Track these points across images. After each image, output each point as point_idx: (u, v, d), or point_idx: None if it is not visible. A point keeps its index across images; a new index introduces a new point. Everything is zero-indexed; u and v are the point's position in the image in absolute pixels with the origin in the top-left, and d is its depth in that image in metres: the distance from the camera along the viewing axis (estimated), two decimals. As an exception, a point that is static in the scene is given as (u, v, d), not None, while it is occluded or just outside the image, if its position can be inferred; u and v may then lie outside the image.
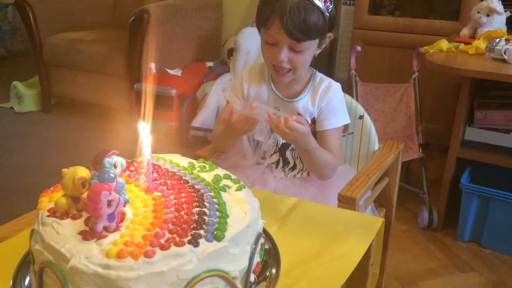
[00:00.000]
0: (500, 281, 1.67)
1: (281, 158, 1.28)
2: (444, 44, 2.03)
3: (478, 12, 2.14)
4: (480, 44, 1.96)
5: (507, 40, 1.89)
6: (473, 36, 2.17)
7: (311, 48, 1.16)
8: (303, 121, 1.11)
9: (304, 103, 1.24)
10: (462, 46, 2.02)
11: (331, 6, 1.13)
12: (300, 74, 1.21)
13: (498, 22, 2.12)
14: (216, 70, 2.94)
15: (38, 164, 2.46)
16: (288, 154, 1.29)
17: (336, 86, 1.26)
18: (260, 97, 1.28)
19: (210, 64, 3.06)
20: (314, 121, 1.26)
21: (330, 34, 1.19)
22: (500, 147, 1.85)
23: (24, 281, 0.70)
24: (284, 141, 1.27)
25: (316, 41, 1.16)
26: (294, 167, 1.29)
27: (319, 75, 1.28)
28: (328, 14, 1.12)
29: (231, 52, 2.99)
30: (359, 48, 2.20)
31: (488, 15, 2.10)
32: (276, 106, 1.27)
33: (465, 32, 2.23)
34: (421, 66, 2.17)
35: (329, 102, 1.23)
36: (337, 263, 0.78)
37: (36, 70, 3.28)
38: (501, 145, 1.85)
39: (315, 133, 1.26)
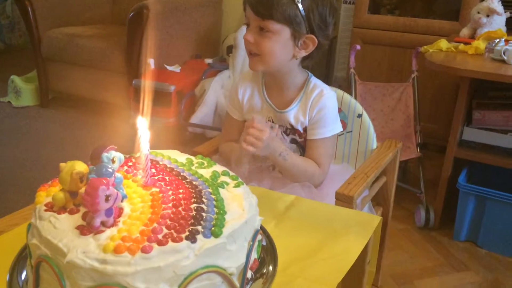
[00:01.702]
0: (495, 281, 1.68)
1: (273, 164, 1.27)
2: (443, 44, 2.04)
3: (478, 13, 2.14)
4: (480, 44, 1.96)
5: (506, 41, 1.89)
6: (472, 37, 2.17)
7: (279, 36, 1.11)
8: (265, 126, 1.12)
9: (295, 112, 1.22)
10: (461, 46, 2.02)
11: (306, 2, 1.10)
12: (271, 65, 1.16)
13: (498, 22, 2.12)
14: (215, 67, 2.94)
15: (35, 159, 2.45)
16: None
17: (329, 95, 1.22)
18: (253, 106, 1.27)
19: (209, 61, 3.05)
20: (306, 130, 1.24)
21: (311, 36, 1.14)
22: (497, 148, 1.86)
23: (21, 276, 0.70)
24: None
25: (286, 30, 1.11)
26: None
27: (313, 81, 1.24)
28: (301, 7, 1.10)
29: (230, 49, 2.99)
30: (358, 47, 2.20)
31: (488, 16, 2.10)
32: (270, 116, 1.26)
33: (465, 32, 2.23)
34: (420, 65, 2.17)
35: (320, 111, 1.21)
36: (334, 260, 0.78)
37: (34, 64, 3.27)
38: (498, 145, 1.86)
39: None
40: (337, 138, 1.44)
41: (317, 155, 1.22)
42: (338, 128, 1.24)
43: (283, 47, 1.14)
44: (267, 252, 0.79)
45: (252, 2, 1.11)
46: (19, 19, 4.65)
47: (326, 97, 1.21)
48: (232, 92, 1.31)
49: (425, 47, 2.07)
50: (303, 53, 1.18)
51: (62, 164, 0.65)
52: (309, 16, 1.12)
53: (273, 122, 1.25)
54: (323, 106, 1.21)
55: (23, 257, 0.73)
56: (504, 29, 2.12)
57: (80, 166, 0.65)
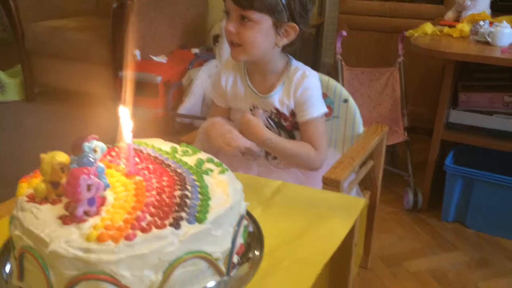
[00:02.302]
0: (483, 260, 1.70)
1: (264, 149, 1.27)
2: (428, 27, 2.04)
3: (462, -5, 2.14)
4: (464, 27, 1.96)
5: (490, 23, 1.90)
6: (457, 19, 2.18)
7: (261, 25, 1.11)
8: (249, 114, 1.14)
9: (280, 96, 1.22)
10: (446, 29, 2.03)
11: None
12: (253, 55, 1.16)
13: (482, 5, 2.12)
14: (202, 57, 2.92)
15: (21, 154, 2.43)
16: None
17: (312, 75, 1.22)
18: (237, 93, 1.26)
19: (195, 50, 3.03)
20: (293, 113, 1.24)
21: (292, 24, 1.14)
22: (483, 129, 1.87)
23: (5, 269, 0.69)
24: None
25: (267, 19, 1.11)
26: (276, 157, 1.29)
27: (294, 64, 1.24)
28: None
29: (216, 38, 2.97)
30: (344, 33, 2.20)
31: (472, -2, 2.11)
32: (253, 102, 1.25)
33: (450, 15, 2.23)
34: (406, 50, 2.17)
35: (304, 92, 1.20)
36: (320, 242, 0.79)
37: (18, 58, 3.22)
38: (484, 127, 1.87)
39: (296, 125, 1.25)
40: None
41: (310, 136, 1.22)
42: (324, 107, 1.23)
43: (265, 36, 1.14)
44: (254, 237, 0.79)
45: None
46: (1, 13, 4.57)
47: (309, 77, 1.21)
48: (215, 80, 1.30)
49: (410, 31, 2.07)
50: (285, 41, 1.17)
51: (42, 155, 0.65)
52: (289, 4, 1.12)
53: (257, 108, 1.25)
54: (307, 87, 1.20)
55: (7, 250, 0.73)
56: (488, 11, 2.12)
57: (61, 157, 0.64)
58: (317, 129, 1.22)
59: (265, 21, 1.12)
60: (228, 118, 1.31)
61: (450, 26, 2.05)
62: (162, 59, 2.87)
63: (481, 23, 1.92)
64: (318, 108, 1.21)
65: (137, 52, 2.78)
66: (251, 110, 1.26)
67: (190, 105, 2.71)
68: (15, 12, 3.06)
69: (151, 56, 2.87)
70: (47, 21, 3.15)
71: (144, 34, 2.85)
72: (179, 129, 2.74)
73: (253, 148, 1.17)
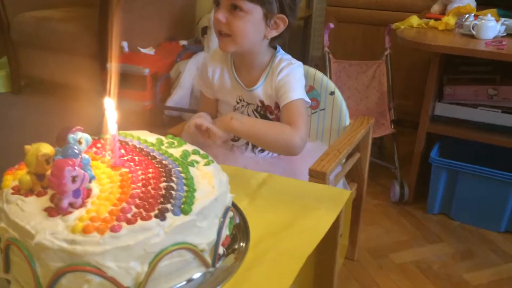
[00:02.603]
0: (468, 251, 1.73)
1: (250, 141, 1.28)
2: (414, 20, 2.05)
3: (449, -12, 2.15)
4: (450, 20, 1.98)
5: (475, 16, 1.92)
6: (443, 12, 2.19)
7: (252, 15, 1.11)
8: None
9: (264, 88, 1.22)
10: (432, 22, 2.04)
11: None
12: (242, 46, 1.15)
13: (468, -2, 2.14)
14: (190, 49, 2.90)
15: (7, 146, 2.40)
16: None
17: (295, 65, 1.21)
18: (223, 85, 1.26)
19: (184, 42, 3.02)
20: (278, 106, 1.22)
21: (282, 16, 1.14)
22: (468, 122, 1.90)
23: (-9, 261, 0.69)
24: None
25: (258, 10, 1.11)
26: (263, 149, 1.29)
27: (280, 55, 1.23)
28: None
29: (205, 30, 2.96)
30: (332, 25, 2.20)
31: (458, -9, 2.12)
32: (240, 95, 1.25)
33: (436, 8, 2.25)
34: (393, 43, 2.18)
35: (285, 77, 1.19)
36: (305, 234, 0.80)
37: (4, 50, 3.18)
38: (469, 119, 1.89)
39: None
40: (310, 115, 1.45)
41: (288, 116, 1.17)
42: (305, 95, 1.20)
43: (255, 27, 1.14)
44: (240, 229, 0.80)
45: None
46: (-14, 3, 4.50)
47: (292, 67, 1.20)
48: (202, 71, 1.30)
49: (396, 24, 2.09)
50: (274, 33, 1.17)
51: (27, 147, 0.65)
52: None
53: (243, 100, 1.25)
54: (288, 73, 1.19)
55: (-7, 242, 0.72)
56: (473, 4, 2.14)
57: (46, 148, 0.64)
58: (295, 110, 1.17)
59: (256, 12, 1.11)
60: (216, 110, 1.31)
61: (436, 19, 2.07)
62: (149, 51, 2.85)
63: (466, 16, 1.94)
64: (297, 93, 1.18)
65: (125, 44, 2.76)
66: (237, 102, 1.26)
67: (178, 97, 2.70)
68: (0, 2, 3.02)
69: (139, 48, 2.85)
70: (33, 11, 3.11)
71: (131, 25, 2.82)
72: (167, 122, 2.73)
73: (219, 133, 1.12)
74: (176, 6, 3.20)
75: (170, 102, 2.68)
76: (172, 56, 2.84)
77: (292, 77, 1.19)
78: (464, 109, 1.91)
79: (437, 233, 1.83)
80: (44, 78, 3.22)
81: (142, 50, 2.84)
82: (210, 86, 1.29)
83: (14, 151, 2.49)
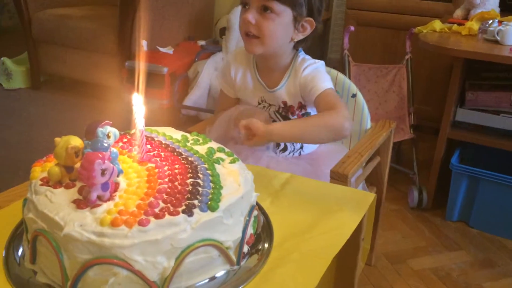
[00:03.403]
0: (487, 260, 1.70)
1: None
2: (437, 24, 2.03)
3: (472, -7, 2.13)
4: (473, 25, 1.96)
5: (500, 22, 1.89)
6: (466, 17, 2.17)
7: (281, 17, 1.10)
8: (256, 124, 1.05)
9: (287, 87, 1.21)
10: (455, 27, 2.02)
11: None
12: (269, 48, 1.15)
13: (491, 3, 2.12)
14: (208, 49, 2.91)
15: (26, 141, 2.43)
16: None
17: (319, 64, 1.21)
18: (246, 85, 1.26)
19: (202, 43, 3.03)
20: (300, 105, 1.23)
21: (310, 19, 1.14)
22: (490, 128, 1.87)
23: (18, 251, 0.70)
24: None
25: (289, 13, 1.10)
26: (285, 149, 1.29)
27: (302, 56, 1.22)
28: None
29: (223, 31, 2.96)
30: (352, 28, 2.19)
31: (482, -4, 2.10)
32: (262, 96, 1.24)
33: (458, 13, 2.22)
34: (413, 47, 2.16)
35: (311, 73, 1.17)
36: (329, 235, 0.79)
37: (25, 46, 3.22)
38: (491, 126, 1.87)
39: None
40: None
41: (325, 104, 1.13)
42: (331, 83, 1.18)
43: (284, 29, 1.13)
44: (263, 228, 0.79)
45: None
46: (8, 0, 4.57)
47: (316, 65, 1.20)
48: (225, 70, 1.30)
49: (418, 28, 2.07)
50: (300, 36, 1.17)
51: (57, 139, 0.65)
52: (310, 1, 1.12)
53: (265, 101, 1.25)
54: (313, 69, 1.18)
55: (18, 233, 0.73)
56: (497, 9, 2.11)
57: (75, 141, 0.65)
58: (330, 97, 1.14)
59: (287, 14, 1.11)
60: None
61: (459, 24, 2.05)
62: (168, 50, 2.86)
63: (490, 21, 1.91)
64: (326, 83, 1.16)
65: (144, 43, 2.78)
66: (259, 103, 1.26)
67: (195, 97, 2.70)
68: (22, 0, 3.06)
69: (158, 47, 2.86)
70: (54, 9, 3.14)
71: (151, 24, 2.84)
72: (184, 121, 2.74)
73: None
74: (195, 6, 3.21)
75: (187, 102, 2.69)
76: (190, 56, 2.85)
77: (318, 71, 1.19)
78: (485, 116, 1.88)
79: (456, 241, 1.81)
80: (63, 74, 3.26)
81: (161, 49, 2.85)
82: (232, 85, 1.29)
83: (32, 145, 2.52)
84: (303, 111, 1.23)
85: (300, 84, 1.19)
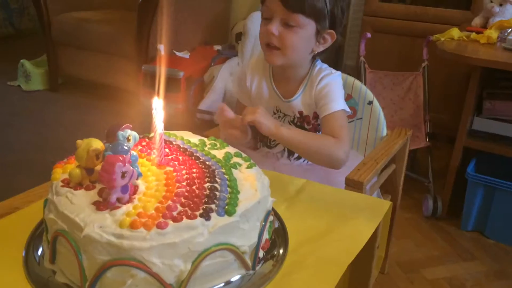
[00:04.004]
0: (502, 271, 1.68)
1: (286, 148, 1.27)
2: (455, 32, 2.02)
3: (491, 1, 2.12)
4: (492, 33, 1.94)
5: (519, 31, 1.88)
6: (484, 26, 2.15)
7: (305, 30, 1.10)
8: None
9: (303, 98, 1.21)
10: (473, 35, 2.00)
11: None
12: (290, 59, 1.15)
13: (511, 12, 2.10)
14: (224, 54, 2.93)
15: (44, 142, 2.47)
16: None
17: (335, 74, 1.21)
18: (261, 95, 1.25)
19: (218, 47, 3.05)
20: (316, 115, 1.22)
21: (331, 31, 1.14)
22: (507, 138, 1.85)
23: (37, 251, 0.71)
24: None
25: (312, 25, 1.11)
26: (299, 157, 1.29)
27: (318, 66, 1.22)
28: (328, 1, 1.09)
29: (239, 36, 2.98)
30: (369, 35, 2.19)
31: (501, 5, 2.08)
32: (277, 106, 1.24)
33: (477, 21, 2.21)
34: (430, 55, 2.15)
35: (325, 87, 1.17)
36: (344, 242, 0.79)
37: (44, 49, 3.28)
38: (508, 135, 1.85)
39: (318, 129, 1.23)
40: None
41: (331, 128, 1.15)
42: (344, 105, 1.18)
43: (306, 42, 1.13)
44: (278, 234, 0.80)
45: None
46: (29, 3, 4.65)
47: (332, 76, 1.19)
48: (241, 79, 1.30)
49: (436, 35, 2.06)
50: (321, 48, 1.17)
51: (79, 141, 0.66)
52: (333, 10, 1.11)
53: (280, 111, 1.25)
54: (328, 83, 1.18)
55: (38, 233, 0.74)
56: (516, 18, 2.09)
57: (97, 144, 0.66)
58: (337, 122, 1.16)
59: (310, 27, 1.11)
60: None
61: (477, 32, 2.03)
62: (185, 54, 2.89)
63: (509, 30, 1.90)
64: (338, 103, 1.17)
65: (161, 47, 2.80)
66: (274, 113, 1.26)
67: (210, 101, 2.72)
68: (42, 3, 3.11)
69: (174, 51, 2.89)
70: (73, 12, 3.20)
71: (168, 29, 2.87)
72: (199, 125, 2.76)
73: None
74: (212, 11, 3.24)
75: (202, 106, 2.71)
76: (206, 61, 2.87)
77: (332, 87, 1.18)
78: (503, 125, 1.86)
79: (471, 251, 1.79)
80: (81, 77, 3.31)
81: (178, 53, 2.87)
82: (247, 95, 1.29)
83: (49, 145, 2.56)
84: (318, 121, 1.23)
85: (315, 97, 1.19)
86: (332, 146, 1.11)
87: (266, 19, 1.12)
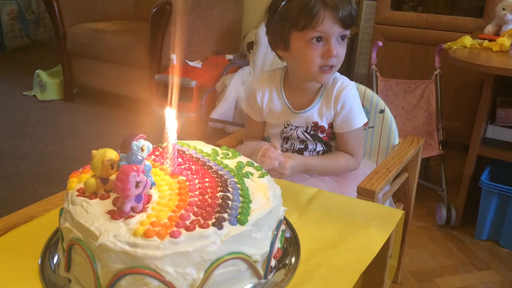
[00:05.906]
0: (517, 281, 1.66)
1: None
2: (467, 40, 2.01)
3: (503, 9, 2.11)
4: (505, 41, 1.93)
5: (532, 38, 1.86)
6: (497, 33, 2.14)
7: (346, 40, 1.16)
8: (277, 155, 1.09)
9: (318, 109, 1.22)
10: (486, 43, 2.00)
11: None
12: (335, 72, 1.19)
13: (524, 19, 2.09)
14: (236, 63, 2.95)
15: (60, 151, 2.51)
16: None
17: (350, 86, 1.22)
18: (273, 109, 1.26)
19: (230, 57, 3.07)
20: (331, 125, 1.24)
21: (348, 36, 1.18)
22: (521, 146, 1.83)
23: (53, 260, 0.72)
24: (300, 146, 1.26)
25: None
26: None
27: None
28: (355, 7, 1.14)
29: (251, 45, 3.00)
30: (380, 43, 2.19)
31: (513, 12, 2.07)
32: (288, 120, 1.25)
33: (489, 29, 2.20)
34: (442, 63, 2.15)
35: (344, 104, 1.20)
36: (356, 251, 0.79)
37: (59, 59, 3.33)
38: (522, 144, 1.83)
39: (332, 136, 1.26)
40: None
41: (349, 147, 1.23)
42: (364, 117, 1.23)
43: None
44: (290, 243, 0.80)
45: (340, 17, 1.08)
46: (45, 14, 4.75)
47: (348, 88, 1.21)
48: (250, 96, 1.30)
49: (448, 43, 2.05)
50: None
51: (94, 152, 0.67)
52: (355, 16, 1.15)
53: (291, 125, 1.25)
54: (347, 99, 1.20)
55: (54, 241, 0.75)
56: (530, 26, 2.08)
57: (111, 154, 0.67)
58: (356, 139, 1.23)
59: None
60: (263, 132, 1.33)
61: (490, 40, 2.02)
62: (197, 64, 2.91)
63: (523, 38, 1.89)
64: (358, 120, 1.22)
65: (174, 57, 2.83)
66: (285, 127, 1.26)
67: (222, 110, 2.74)
68: (58, 14, 3.17)
69: (187, 61, 2.92)
70: (88, 23, 3.25)
71: (180, 39, 2.90)
72: (211, 133, 2.78)
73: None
74: (224, 21, 3.27)
75: (214, 115, 2.72)
76: (218, 70, 2.89)
77: (351, 102, 1.21)
78: (517, 133, 1.85)
79: (485, 260, 1.77)
80: (95, 87, 3.35)
81: (190, 63, 2.90)
82: (259, 111, 1.29)
83: (64, 155, 2.59)
84: (333, 131, 1.24)
85: (334, 112, 1.22)
86: (350, 165, 1.24)
87: (318, 41, 1.11)
